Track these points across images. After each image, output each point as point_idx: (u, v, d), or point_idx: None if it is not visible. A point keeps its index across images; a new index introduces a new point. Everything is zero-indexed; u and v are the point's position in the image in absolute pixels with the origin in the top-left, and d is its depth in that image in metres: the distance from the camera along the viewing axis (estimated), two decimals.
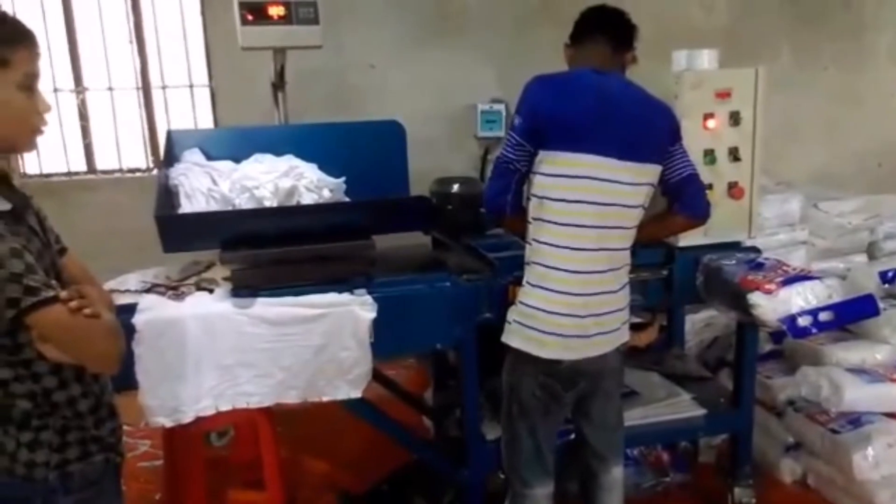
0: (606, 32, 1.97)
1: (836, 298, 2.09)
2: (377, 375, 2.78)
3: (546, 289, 1.89)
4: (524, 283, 1.95)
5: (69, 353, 1.29)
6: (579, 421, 2.10)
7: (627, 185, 1.87)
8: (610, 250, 1.90)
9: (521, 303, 1.94)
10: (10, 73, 1.26)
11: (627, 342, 2.05)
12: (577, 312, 1.88)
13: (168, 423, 2.05)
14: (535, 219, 1.92)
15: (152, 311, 2.03)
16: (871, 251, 3.67)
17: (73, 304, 1.25)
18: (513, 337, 1.95)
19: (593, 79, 1.91)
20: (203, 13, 3.78)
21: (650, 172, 1.92)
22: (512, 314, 1.96)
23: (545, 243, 1.89)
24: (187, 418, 2.05)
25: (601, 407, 2.07)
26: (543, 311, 1.89)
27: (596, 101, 1.87)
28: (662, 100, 2.00)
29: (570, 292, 1.87)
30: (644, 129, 1.90)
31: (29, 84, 1.29)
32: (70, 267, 1.48)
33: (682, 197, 2.00)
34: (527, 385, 1.97)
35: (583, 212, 1.85)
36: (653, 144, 1.92)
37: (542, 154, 1.88)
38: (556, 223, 1.87)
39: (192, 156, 2.43)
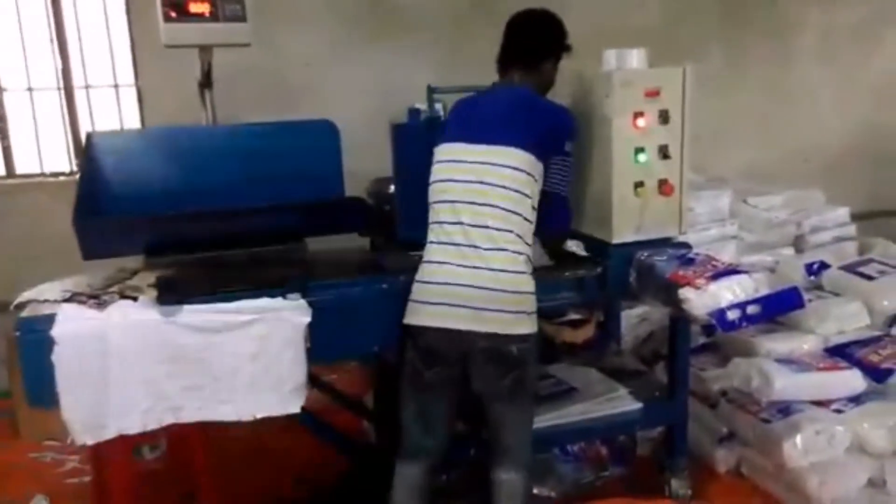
0: (514, 64, 2.18)
1: (763, 291, 2.15)
2: (315, 380, 2.73)
3: (424, 261, 2.08)
4: None
5: None
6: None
7: (486, 164, 2.01)
8: (465, 225, 1.99)
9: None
10: None
11: (512, 336, 1.98)
12: (434, 279, 2.02)
13: (90, 441, 1.96)
14: (429, 203, 2.12)
15: (72, 321, 1.94)
16: (798, 244, 3.80)
17: None
18: None
19: (484, 90, 2.19)
20: (127, 9, 3.65)
21: (513, 156, 2.01)
22: None
23: (429, 222, 2.10)
24: (109, 434, 1.96)
25: (490, 404, 2.07)
26: (416, 280, 2.07)
27: (472, 105, 2.14)
28: (560, 106, 2.16)
29: (431, 260, 2.04)
30: (508, 118, 2.06)
31: None
32: None
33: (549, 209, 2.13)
34: (406, 355, 2.08)
35: (444, 189, 2.06)
36: (516, 132, 2.03)
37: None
38: (431, 202, 2.10)
39: None
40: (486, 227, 1.99)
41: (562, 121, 2.12)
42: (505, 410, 2.07)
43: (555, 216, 2.16)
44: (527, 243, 2.04)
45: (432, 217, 2.08)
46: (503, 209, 1.99)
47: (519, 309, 1.99)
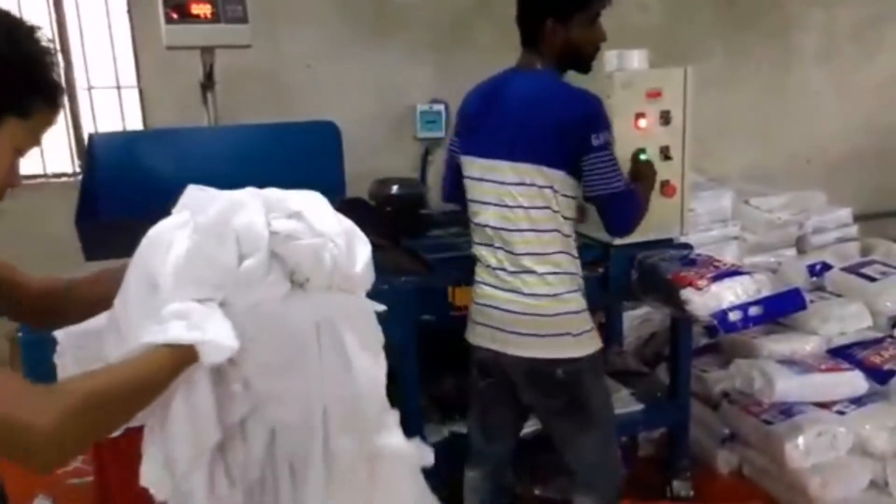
0: (522, 40, 1.94)
1: (765, 293, 2.15)
2: None
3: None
4: None
5: None
6: None
7: (505, 185, 1.88)
8: (496, 248, 1.94)
9: None
10: (22, 128, 1.01)
11: (553, 360, 1.91)
12: (476, 300, 2.02)
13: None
14: None
15: None
16: (800, 245, 3.80)
17: None
18: None
19: (496, 79, 1.99)
20: (129, 11, 3.65)
21: (529, 173, 1.85)
22: None
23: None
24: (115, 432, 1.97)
25: (545, 425, 2.07)
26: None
27: (480, 102, 1.98)
28: (577, 94, 1.85)
29: (476, 280, 2.03)
30: (521, 127, 1.85)
31: (26, 150, 1.05)
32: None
33: (600, 214, 1.95)
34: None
35: (477, 211, 1.99)
36: (529, 144, 1.84)
37: None
38: (470, 220, 2.05)
39: None
40: (513, 252, 1.90)
41: (578, 114, 1.81)
42: (564, 432, 2.02)
43: (611, 217, 1.93)
44: (573, 257, 1.93)
45: (472, 235, 2.06)
46: (529, 230, 1.87)
47: (560, 331, 1.89)
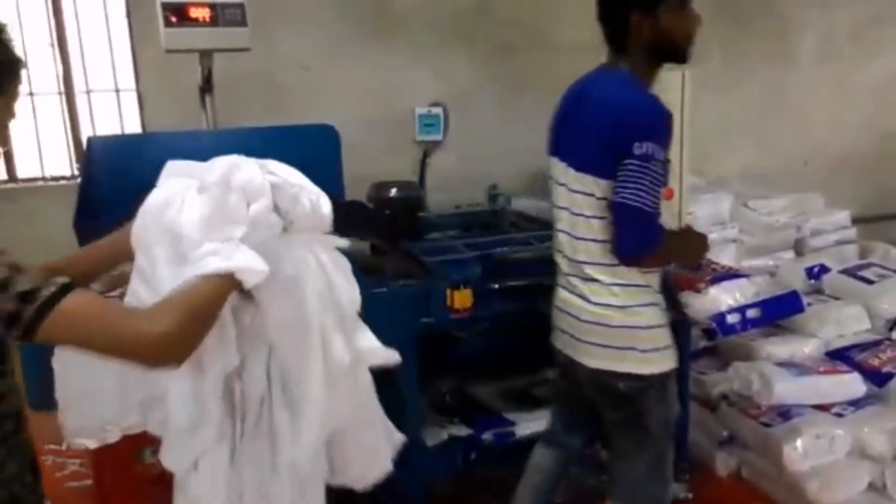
0: (602, 28, 1.83)
1: (764, 295, 2.15)
2: None
3: None
4: None
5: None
6: None
7: (571, 192, 1.84)
8: (565, 255, 1.91)
9: None
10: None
11: (616, 373, 1.83)
12: (554, 302, 1.98)
13: (92, 445, 1.96)
14: None
15: None
16: (799, 248, 3.81)
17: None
18: None
19: (587, 78, 1.89)
20: (128, 15, 3.66)
21: (587, 183, 1.79)
22: None
23: None
24: (113, 437, 1.95)
25: (607, 431, 2.02)
26: None
27: (567, 103, 1.91)
28: (635, 100, 1.74)
29: (557, 284, 1.98)
30: (585, 132, 1.79)
31: (5, 123, 1.19)
32: None
33: (614, 225, 1.77)
34: None
35: (554, 215, 1.95)
36: (589, 152, 1.78)
37: None
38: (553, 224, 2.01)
39: None
40: (577, 260, 1.86)
41: (631, 120, 1.70)
42: (618, 444, 2.00)
43: (620, 232, 1.73)
44: (641, 270, 1.80)
45: (553, 240, 2.01)
46: (591, 240, 1.81)
47: (625, 345, 1.80)
